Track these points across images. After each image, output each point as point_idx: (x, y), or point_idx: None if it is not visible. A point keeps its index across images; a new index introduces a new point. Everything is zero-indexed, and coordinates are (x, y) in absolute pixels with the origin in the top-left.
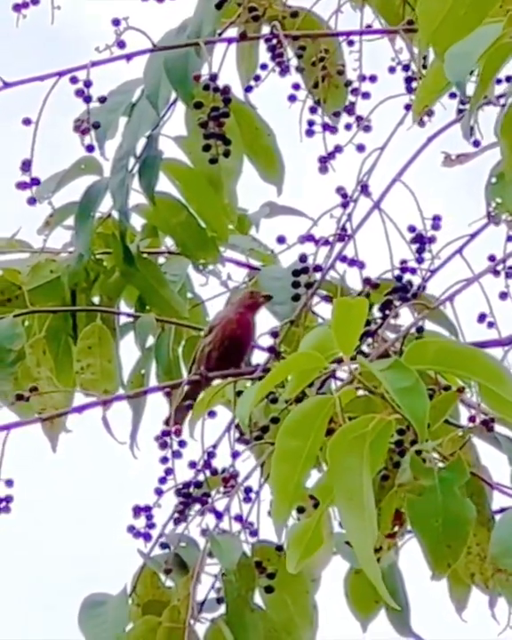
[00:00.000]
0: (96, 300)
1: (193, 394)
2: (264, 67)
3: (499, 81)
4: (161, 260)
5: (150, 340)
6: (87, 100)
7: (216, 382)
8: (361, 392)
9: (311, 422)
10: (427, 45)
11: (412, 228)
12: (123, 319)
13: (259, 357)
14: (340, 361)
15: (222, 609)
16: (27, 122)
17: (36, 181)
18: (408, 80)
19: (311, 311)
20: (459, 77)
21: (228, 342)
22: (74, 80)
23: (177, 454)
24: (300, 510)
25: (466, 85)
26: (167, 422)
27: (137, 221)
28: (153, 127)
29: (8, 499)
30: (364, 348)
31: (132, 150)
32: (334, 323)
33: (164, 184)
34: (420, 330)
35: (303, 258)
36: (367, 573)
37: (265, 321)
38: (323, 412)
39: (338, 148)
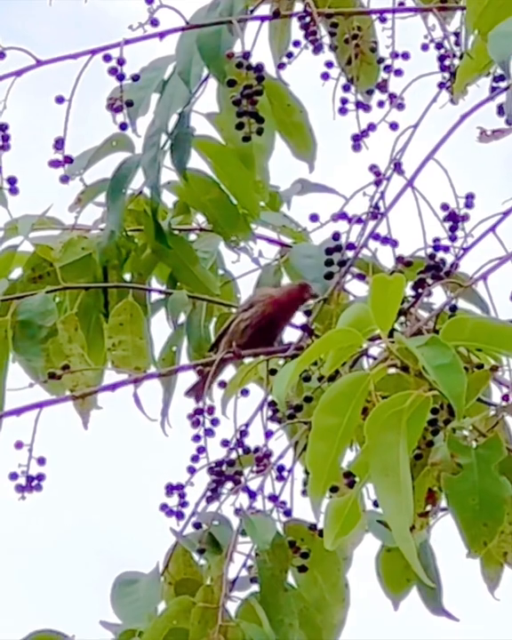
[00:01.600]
0: (127, 276)
1: (220, 367)
2: (296, 44)
3: None
4: (192, 236)
5: (182, 317)
6: (120, 78)
7: (247, 360)
8: (392, 370)
9: (348, 399)
10: (475, 27)
11: (445, 207)
12: (154, 296)
13: (291, 336)
14: (375, 338)
15: (254, 588)
16: (60, 100)
17: (68, 159)
18: (441, 58)
19: (343, 289)
20: (502, 56)
21: (267, 322)
22: (107, 58)
23: (209, 432)
24: (334, 489)
25: (509, 64)
26: (189, 393)
27: (168, 198)
28: (185, 104)
29: (40, 477)
30: (397, 327)
31: (164, 127)
32: (372, 300)
33: (196, 161)
34: (454, 308)
35: (336, 236)
36: (403, 550)
37: None
38: (359, 389)
39: (371, 126)
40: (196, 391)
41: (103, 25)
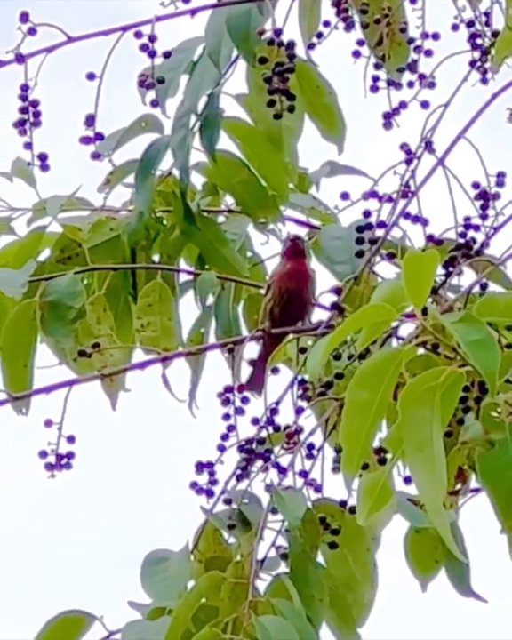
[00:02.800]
0: (156, 258)
1: (265, 352)
2: (326, 24)
3: None
4: (221, 218)
5: (210, 299)
6: (152, 54)
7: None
8: (421, 351)
9: (381, 375)
10: None
11: (475, 185)
12: (182, 277)
13: (320, 315)
14: (407, 317)
15: (284, 566)
16: (91, 76)
17: (99, 136)
18: (472, 37)
19: (372, 271)
20: None
21: (287, 295)
22: (138, 35)
23: (239, 411)
24: (364, 467)
25: None
26: (249, 387)
27: (197, 179)
28: (214, 85)
29: (70, 455)
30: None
31: (194, 108)
32: (405, 276)
33: (225, 142)
34: (484, 287)
35: (367, 214)
36: (435, 524)
37: (326, 281)
38: (392, 365)
39: (402, 104)
40: (256, 383)
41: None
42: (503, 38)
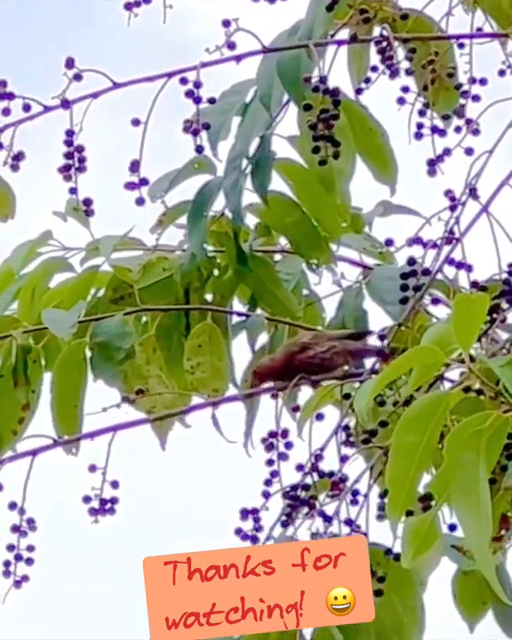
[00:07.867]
0: (209, 297)
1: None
2: (374, 69)
3: None
4: (278, 256)
5: (264, 339)
6: (197, 101)
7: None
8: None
9: (428, 418)
10: None
11: None
12: (235, 318)
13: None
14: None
15: None
16: (136, 122)
17: (144, 182)
18: None
19: (425, 311)
20: None
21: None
22: (183, 81)
23: (283, 456)
24: (409, 513)
25: None
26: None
27: (250, 220)
28: (266, 128)
29: (113, 500)
30: (472, 352)
31: (246, 151)
32: (454, 318)
33: (278, 183)
34: None
35: (411, 261)
36: (482, 569)
37: (378, 320)
38: (439, 408)
39: (447, 151)
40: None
41: (180, 48)
42: None
